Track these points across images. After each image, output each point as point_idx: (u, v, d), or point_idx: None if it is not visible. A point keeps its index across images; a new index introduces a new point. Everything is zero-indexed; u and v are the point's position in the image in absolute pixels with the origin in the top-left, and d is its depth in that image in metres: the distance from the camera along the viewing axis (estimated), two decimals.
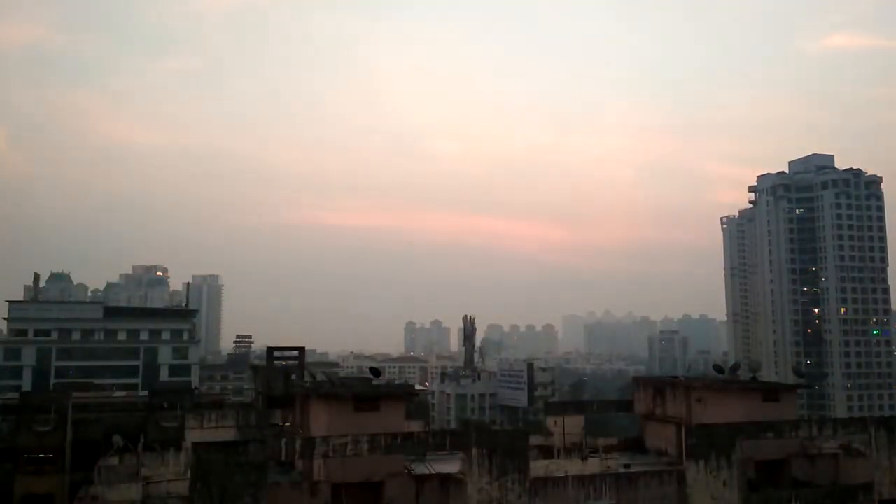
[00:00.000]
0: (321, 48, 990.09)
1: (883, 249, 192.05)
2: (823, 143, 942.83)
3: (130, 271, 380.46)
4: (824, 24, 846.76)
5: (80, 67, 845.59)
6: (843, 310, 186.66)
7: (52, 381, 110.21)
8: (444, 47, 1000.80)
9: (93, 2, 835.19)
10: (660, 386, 35.98)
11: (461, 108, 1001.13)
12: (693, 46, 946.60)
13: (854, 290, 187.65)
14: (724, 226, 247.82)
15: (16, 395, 62.61)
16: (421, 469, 28.33)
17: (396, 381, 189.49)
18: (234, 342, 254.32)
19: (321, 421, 28.25)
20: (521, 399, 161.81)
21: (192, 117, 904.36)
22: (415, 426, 37.34)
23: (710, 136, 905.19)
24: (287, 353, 47.76)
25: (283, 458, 24.82)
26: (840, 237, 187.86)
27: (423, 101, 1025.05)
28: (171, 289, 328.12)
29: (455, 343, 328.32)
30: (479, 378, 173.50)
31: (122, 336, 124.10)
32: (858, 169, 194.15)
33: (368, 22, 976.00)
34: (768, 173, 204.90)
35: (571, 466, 30.68)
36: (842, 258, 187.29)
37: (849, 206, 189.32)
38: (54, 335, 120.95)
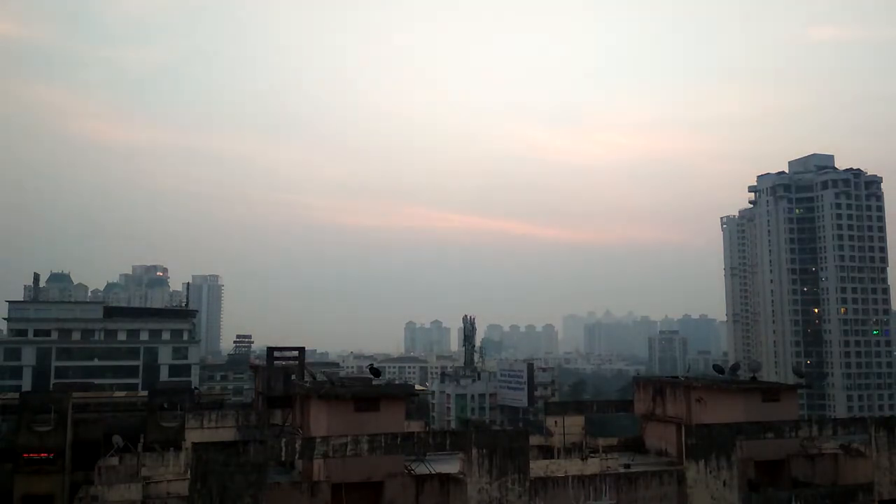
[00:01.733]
0: (316, 45, 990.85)
1: (883, 249, 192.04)
2: (821, 140, 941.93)
3: (130, 271, 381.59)
4: (807, 13, 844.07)
5: (65, 63, 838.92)
6: (843, 310, 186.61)
7: (52, 381, 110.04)
8: (441, 47, 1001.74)
9: None
10: (660, 386, 35.92)
11: (460, 109, 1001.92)
12: (692, 44, 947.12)
13: (854, 290, 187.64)
14: (724, 226, 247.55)
15: (16, 395, 62.38)
16: (421, 469, 28.33)
17: (396, 381, 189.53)
18: (234, 342, 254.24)
19: (321, 421, 28.21)
20: (521, 399, 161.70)
21: (191, 115, 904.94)
22: (415, 426, 37.35)
23: (709, 135, 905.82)
24: (287, 353, 47.45)
25: (283, 458, 24.75)
26: (840, 237, 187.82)
27: (422, 102, 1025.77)
28: (171, 289, 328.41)
29: (455, 343, 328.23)
30: (479, 378, 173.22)
31: (122, 336, 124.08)
32: (858, 169, 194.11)
33: (364, 19, 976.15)
34: (768, 173, 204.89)
35: (571, 466, 30.65)
36: (842, 258, 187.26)
37: (849, 206, 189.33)
38: (54, 335, 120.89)
